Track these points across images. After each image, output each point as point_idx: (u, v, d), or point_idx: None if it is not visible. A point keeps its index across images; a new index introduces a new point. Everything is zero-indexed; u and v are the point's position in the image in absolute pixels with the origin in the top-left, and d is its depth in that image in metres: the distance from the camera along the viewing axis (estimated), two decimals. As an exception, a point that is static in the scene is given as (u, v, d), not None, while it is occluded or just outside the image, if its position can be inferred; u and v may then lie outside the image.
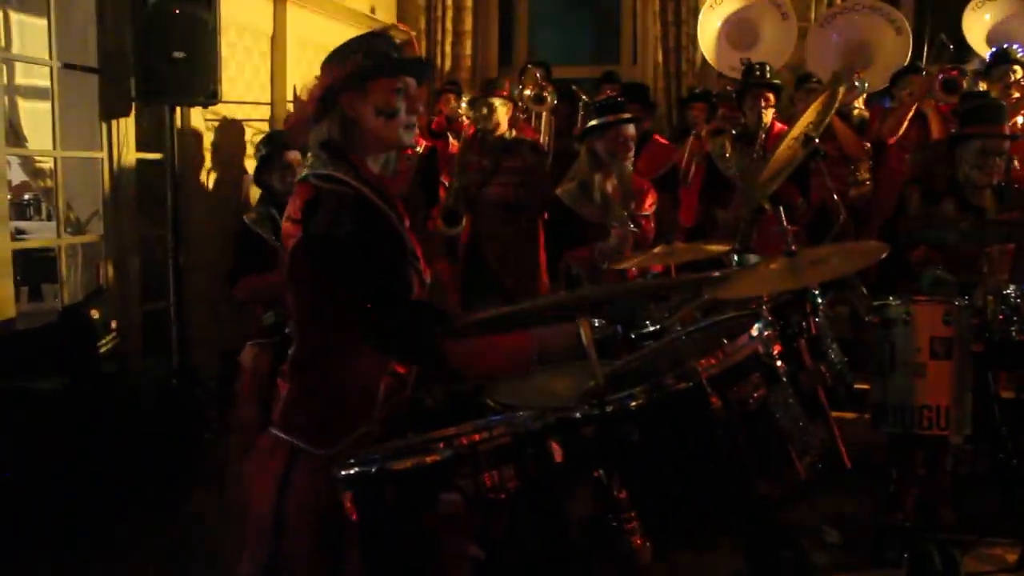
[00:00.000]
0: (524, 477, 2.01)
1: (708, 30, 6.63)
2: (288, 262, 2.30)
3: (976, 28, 6.40)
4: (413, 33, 7.59)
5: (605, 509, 2.11)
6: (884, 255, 2.14)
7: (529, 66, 6.76)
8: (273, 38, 6.23)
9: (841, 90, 2.96)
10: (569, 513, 2.24)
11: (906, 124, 5.56)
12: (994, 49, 5.91)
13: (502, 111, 5.64)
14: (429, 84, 6.62)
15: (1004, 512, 3.76)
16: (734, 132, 5.07)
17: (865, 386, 3.55)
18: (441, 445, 2.01)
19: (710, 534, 2.26)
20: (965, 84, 5.72)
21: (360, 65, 2.27)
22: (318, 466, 2.21)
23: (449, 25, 7.75)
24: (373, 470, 1.99)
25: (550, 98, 6.28)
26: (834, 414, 4.21)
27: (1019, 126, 5.19)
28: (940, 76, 5.66)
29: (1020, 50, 5.78)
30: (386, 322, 2.20)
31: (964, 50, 6.49)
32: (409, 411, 2.49)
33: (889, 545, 3.63)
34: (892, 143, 5.61)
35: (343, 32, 6.99)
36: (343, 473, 2.02)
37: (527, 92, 6.29)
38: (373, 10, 7.43)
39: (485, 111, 5.61)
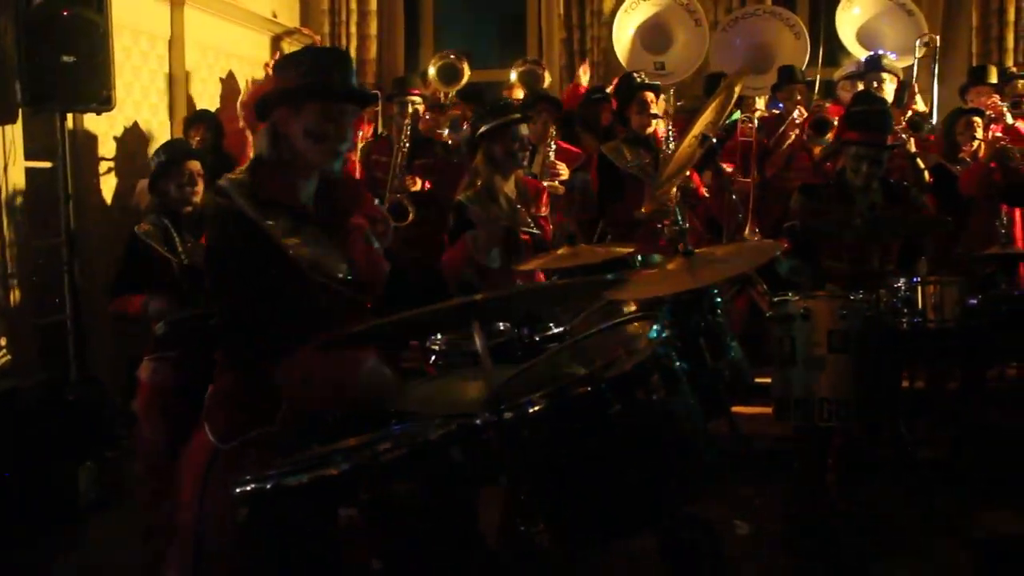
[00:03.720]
0: (426, 487, 1.99)
1: (623, 33, 6.71)
2: None
3: (847, 26, 6.60)
4: (317, 37, 7.49)
5: (513, 515, 2.11)
6: (778, 253, 2.19)
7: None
8: (171, 42, 6.05)
9: (737, 90, 3.02)
10: (476, 521, 2.22)
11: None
12: (868, 55, 6.15)
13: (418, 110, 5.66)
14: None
15: (904, 495, 3.88)
16: (626, 134, 5.18)
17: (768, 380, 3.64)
18: (340, 458, 1.97)
19: (620, 535, 2.26)
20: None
21: (296, 83, 2.26)
22: (228, 462, 2.27)
23: (354, 29, 7.65)
24: (269, 487, 1.94)
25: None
26: (738, 409, 4.33)
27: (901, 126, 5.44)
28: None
29: (893, 56, 6.06)
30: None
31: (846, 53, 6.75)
32: (315, 422, 2.46)
33: (798, 534, 3.71)
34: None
35: (245, 36, 6.85)
36: (239, 491, 1.96)
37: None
38: (275, 14, 7.29)
39: (398, 109, 5.64)
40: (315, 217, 2.37)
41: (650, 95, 5.21)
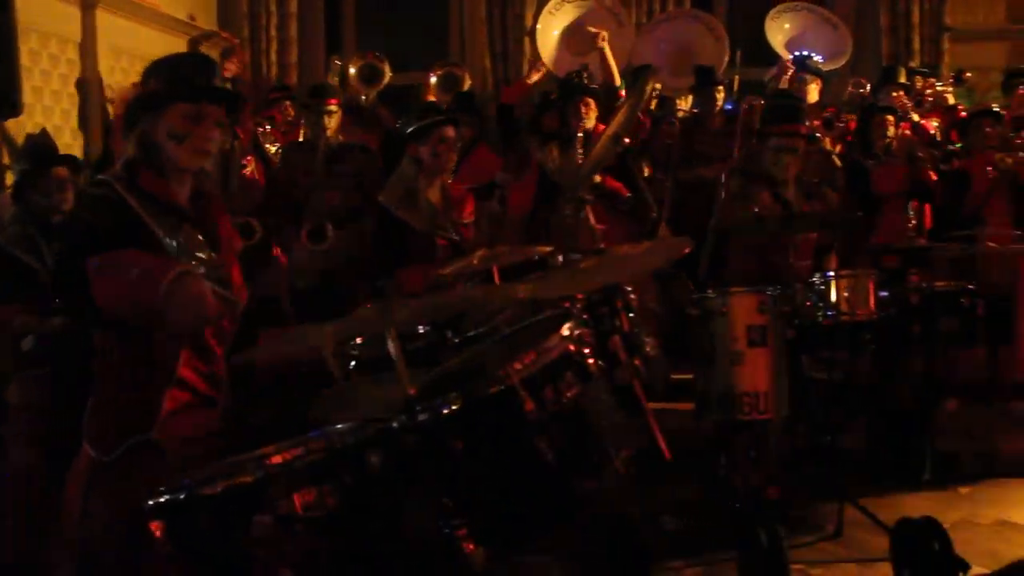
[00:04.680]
0: (343, 492, 1.97)
1: (547, 36, 6.74)
2: None
3: (777, 36, 6.80)
4: (236, 41, 7.35)
5: (434, 517, 2.10)
6: (688, 250, 2.23)
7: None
8: (82, 45, 5.90)
9: (648, 89, 3.07)
10: (399, 525, 2.21)
11: None
12: (793, 56, 6.33)
13: (334, 117, 5.57)
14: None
15: (822, 484, 3.98)
16: (561, 137, 5.20)
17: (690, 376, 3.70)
18: (254, 465, 1.94)
19: (538, 533, 2.27)
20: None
21: (156, 88, 2.33)
22: (110, 473, 2.30)
23: (274, 32, 7.56)
24: (182, 497, 1.91)
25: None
26: (663, 405, 4.39)
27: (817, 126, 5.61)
28: None
29: (817, 57, 6.24)
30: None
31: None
32: (232, 430, 2.44)
33: (722, 527, 3.77)
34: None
35: (162, 40, 6.70)
36: (151, 503, 1.93)
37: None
38: (193, 17, 7.15)
39: (316, 118, 5.54)
40: (193, 220, 2.41)
41: (587, 98, 5.25)
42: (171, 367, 2.35)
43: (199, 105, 2.35)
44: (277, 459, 1.95)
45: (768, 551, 3.22)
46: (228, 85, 5.03)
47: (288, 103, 6.38)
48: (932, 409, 5.03)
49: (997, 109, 5.72)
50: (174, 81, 2.34)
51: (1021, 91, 6.41)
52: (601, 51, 6.05)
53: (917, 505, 4.00)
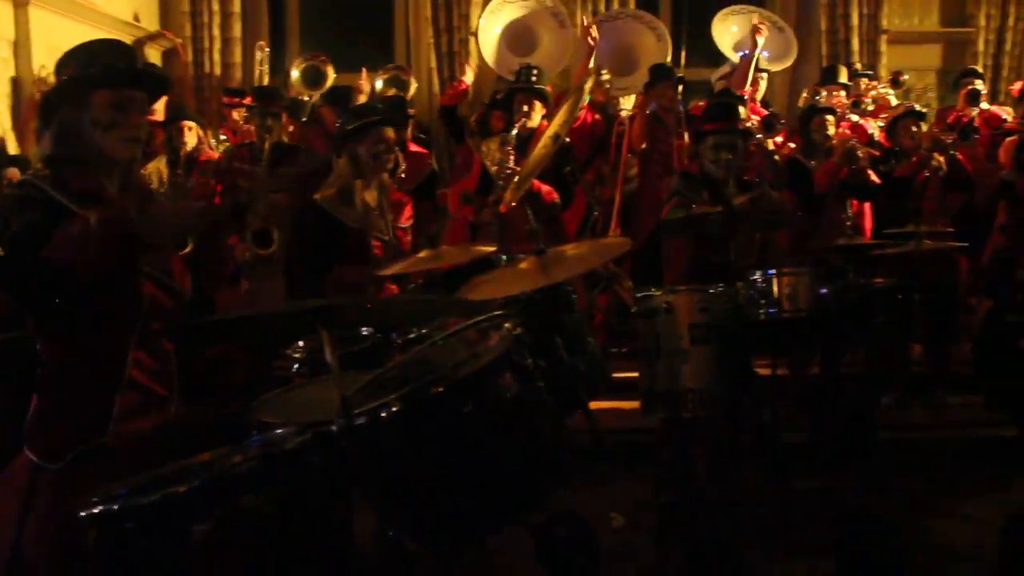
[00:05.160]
0: (283, 498, 1.95)
1: (489, 35, 6.74)
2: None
3: (724, 37, 6.90)
4: (179, 41, 7.25)
5: (381, 520, 2.09)
6: (627, 249, 2.24)
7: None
8: (15, 44, 5.75)
9: (587, 90, 3.08)
10: (343, 529, 2.19)
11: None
12: (740, 54, 6.41)
13: (283, 119, 5.53)
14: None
15: (767, 478, 4.03)
16: (504, 136, 5.20)
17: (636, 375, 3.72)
18: (191, 473, 1.91)
19: (481, 533, 2.27)
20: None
21: (74, 76, 2.23)
22: (57, 482, 2.21)
23: (217, 32, 7.42)
24: (116, 507, 1.86)
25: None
26: (612, 403, 4.41)
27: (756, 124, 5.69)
28: None
29: (766, 55, 6.32)
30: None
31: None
32: (172, 436, 2.39)
33: (670, 524, 3.80)
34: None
35: (100, 37, 6.56)
36: (84, 513, 1.88)
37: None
38: (137, 17, 7.01)
39: (270, 121, 5.47)
40: None
41: (527, 97, 5.27)
42: (120, 370, 2.28)
43: (122, 91, 2.26)
44: (217, 466, 1.92)
45: (715, 547, 3.25)
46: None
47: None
48: (873, 402, 5.16)
49: (922, 109, 5.88)
50: (93, 67, 2.24)
51: (964, 92, 6.60)
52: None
53: (860, 497, 4.07)
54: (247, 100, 6.28)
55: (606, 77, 6.01)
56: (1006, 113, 6.63)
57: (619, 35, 6.80)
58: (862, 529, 3.27)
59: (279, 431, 2.11)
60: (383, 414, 1.93)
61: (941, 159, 5.36)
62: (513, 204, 4.19)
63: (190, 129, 5.54)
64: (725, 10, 7.00)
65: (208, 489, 1.86)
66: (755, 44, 6.27)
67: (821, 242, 4.99)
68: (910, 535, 3.55)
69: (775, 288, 3.78)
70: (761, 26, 6.31)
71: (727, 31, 6.89)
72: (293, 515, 1.96)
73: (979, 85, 6.68)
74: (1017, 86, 7.15)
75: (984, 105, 6.55)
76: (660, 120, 5.87)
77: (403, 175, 4.77)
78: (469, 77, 6.64)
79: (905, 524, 3.75)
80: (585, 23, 6.29)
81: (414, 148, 5.67)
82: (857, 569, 3.21)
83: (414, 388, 1.96)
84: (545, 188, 4.97)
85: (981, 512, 4.05)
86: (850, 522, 3.32)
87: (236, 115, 6.34)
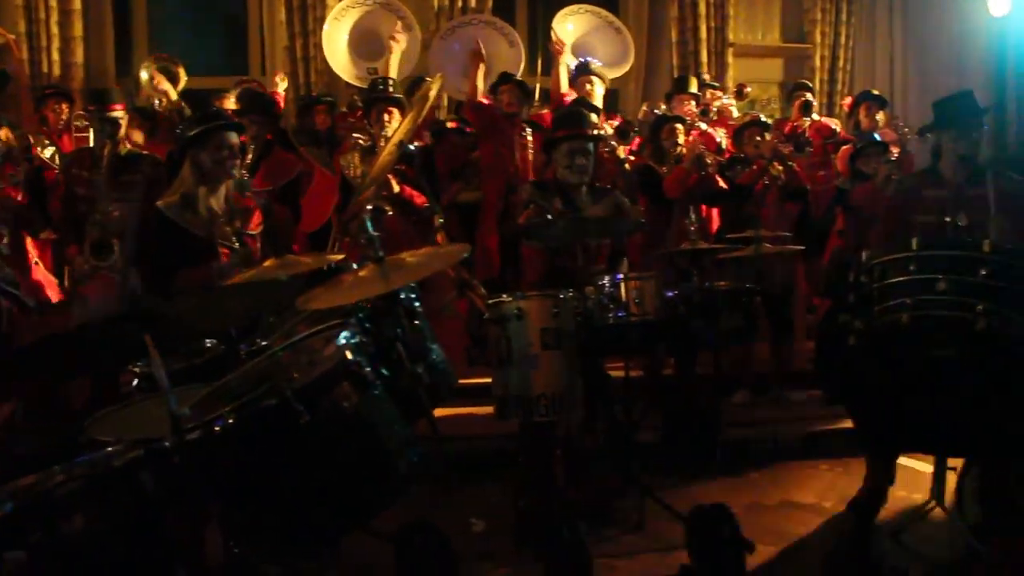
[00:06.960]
0: (111, 518, 1.87)
1: (335, 41, 6.65)
2: None
3: (564, 38, 6.98)
4: (12, 36, 6.83)
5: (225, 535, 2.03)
6: (466, 255, 2.25)
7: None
8: None
9: (432, 97, 3.08)
10: (181, 546, 2.11)
11: None
12: (578, 61, 6.58)
13: (120, 124, 5.27)
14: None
15: (623, 479, 4.13)
16: (362, 144, 5.17)
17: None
18: (4, 498, 1.80)
19: (324, 544, 2.23)
20: None
21: None
22: None
23: (56, 30, 7.05)
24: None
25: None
26: (469, 409, 4.41)
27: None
28: None
29: (597, 63, 6.53)
30: None
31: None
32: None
33: (527, 528, 3.83)
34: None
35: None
36: None
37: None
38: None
39: (108, 127, 5.23)
40: None
41: (388, 107, 5.27)
42: None
43: None
44: (34, 489, 1.82)
45: (572, 548, 3.29)
46: None
47: (64, 104, 5.99)
48: (721, 401, 5.37)
49: (766, 119, 6.18)
50: None
51: (797, 104, 6.98)
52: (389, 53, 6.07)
53: (711, 493, 4.23)
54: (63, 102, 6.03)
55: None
56: (835, 124, 7.06)
57: (472, 40, 6.83)
58: (710, 523, 3.39)
59: (108, 449, 2.01)
60: (216, 427, 1.87)
61: (780, 168, 5.64)
62: (369, 208, 4.15)
63: None
64: (564, 10, 7.11)
65: (23, 514, 1.76)
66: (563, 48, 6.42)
67: (670, 247, 5.15)
68: (754, 525, 3.70)
69: (623, 293, 3.85)
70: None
71: (564, 32, 6.99)
72: (120, 536, 1.87)
73: (810, 97, 7.08)
74: (847, 101, 7.65)
75: (815, 116, 6.94)
76: (508, 118, 5.98)
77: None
78: (281, 87, 6.57)
79: (752, 515, 3.93)
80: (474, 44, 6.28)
81: (280, 151, 5.57)
82: (707, 560, 3.32)
83: (247, 400, 1.91)
84: (409, 191, 4.97)
85: (823, 501, 4.30)
86: (699, 518, 3.43)
87: (53, 116, 6.03)
